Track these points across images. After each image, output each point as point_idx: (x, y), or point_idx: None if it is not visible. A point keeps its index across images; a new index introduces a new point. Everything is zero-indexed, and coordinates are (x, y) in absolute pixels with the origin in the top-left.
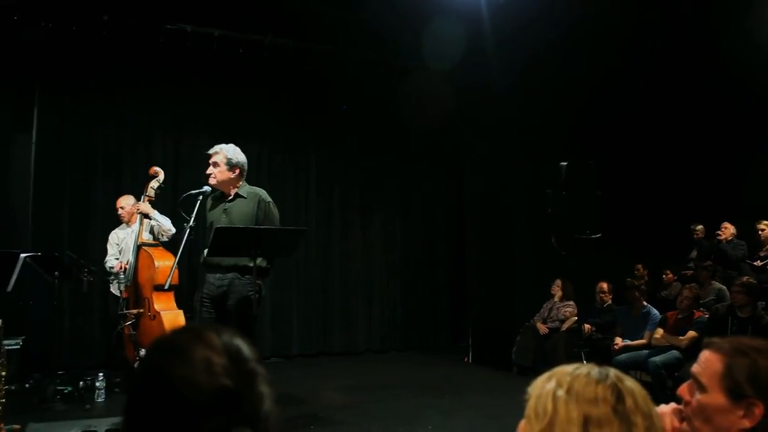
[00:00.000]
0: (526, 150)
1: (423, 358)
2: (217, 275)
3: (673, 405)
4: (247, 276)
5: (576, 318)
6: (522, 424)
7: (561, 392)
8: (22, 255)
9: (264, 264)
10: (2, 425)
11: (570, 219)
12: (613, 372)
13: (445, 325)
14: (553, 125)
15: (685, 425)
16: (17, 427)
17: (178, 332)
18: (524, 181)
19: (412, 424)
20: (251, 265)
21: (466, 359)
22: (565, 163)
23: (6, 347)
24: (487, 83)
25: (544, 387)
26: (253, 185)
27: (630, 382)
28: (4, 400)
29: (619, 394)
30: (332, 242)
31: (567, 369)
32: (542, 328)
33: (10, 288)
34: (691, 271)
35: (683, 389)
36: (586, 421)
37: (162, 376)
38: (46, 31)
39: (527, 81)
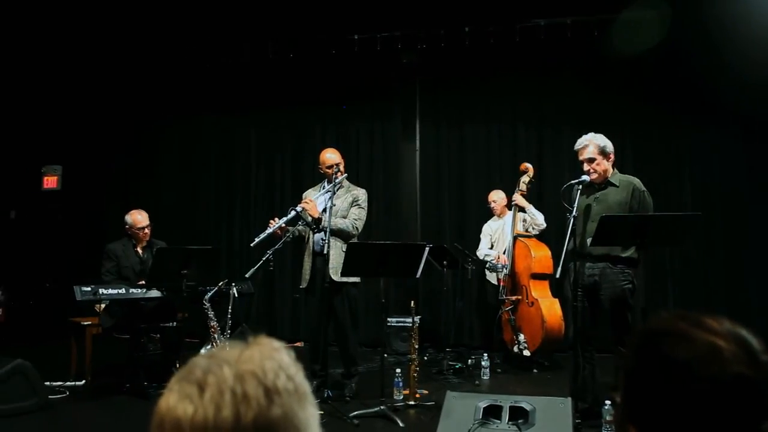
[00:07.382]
0: None
1: None
2: (587, 264)
3: None
4: (619, 266)
5: None
6: None
7: None
8: (427, 247)
9: (635, 255)
10: (416, 388)
11: None
12: None
13: None
14: None
15: None
16: (425, 392)
17: (671, 316)
18: None
19: None
20: (623, 255)
21: None
22: None
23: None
24: None
25: None
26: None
27: None
28: (418, 368)
29: None
30: (714, 228)
31: None
32: None
33: (418, 275)
34: None
35: None
36: None
37: (661, 359)
38: (421, 53)
39: None
